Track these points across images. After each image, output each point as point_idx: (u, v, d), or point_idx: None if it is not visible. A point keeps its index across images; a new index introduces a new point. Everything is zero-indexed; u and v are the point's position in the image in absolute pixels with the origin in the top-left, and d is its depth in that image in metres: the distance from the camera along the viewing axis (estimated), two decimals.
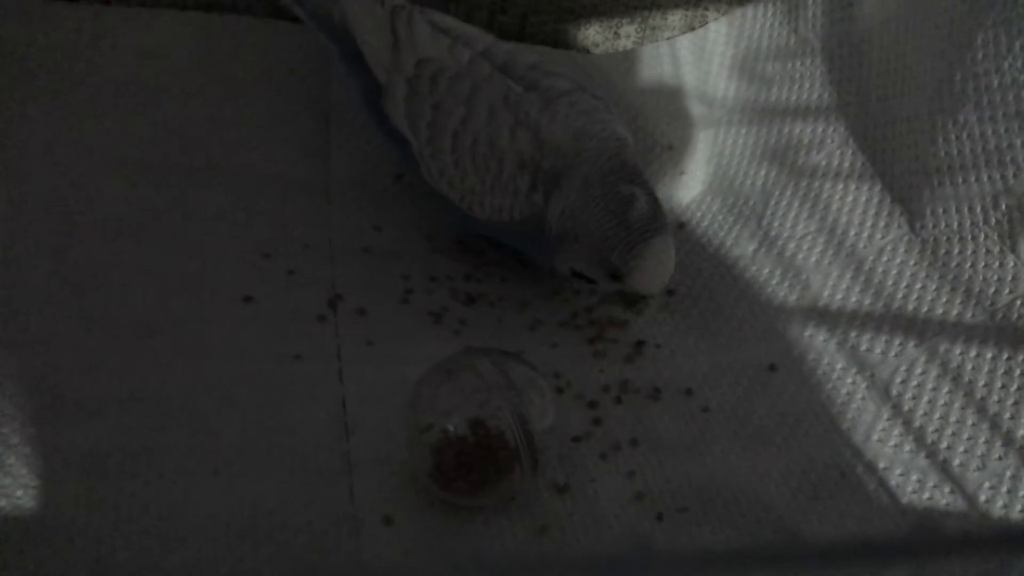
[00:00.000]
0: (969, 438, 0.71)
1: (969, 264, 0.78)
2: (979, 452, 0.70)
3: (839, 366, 0.78)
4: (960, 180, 0.80)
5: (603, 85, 1.04)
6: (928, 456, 0.71)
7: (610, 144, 0.80)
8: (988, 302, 0.76)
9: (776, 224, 0.89)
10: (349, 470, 0.69)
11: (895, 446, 0.72)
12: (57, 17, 0.93)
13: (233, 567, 0.62)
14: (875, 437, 0.73)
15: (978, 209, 0.79)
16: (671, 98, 1.05)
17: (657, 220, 0.77)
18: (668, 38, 1.08)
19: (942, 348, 0.76)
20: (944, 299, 0.78)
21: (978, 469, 0.69)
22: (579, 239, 0.78)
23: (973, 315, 0.76)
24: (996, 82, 0.80)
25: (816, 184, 0.90)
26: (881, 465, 0.71)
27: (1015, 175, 0.78)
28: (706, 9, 1.06)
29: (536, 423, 0.67)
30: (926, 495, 0.69)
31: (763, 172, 0.93)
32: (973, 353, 0.74)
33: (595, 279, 0.79)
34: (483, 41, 0.85)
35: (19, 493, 0.63)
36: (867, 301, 0.81)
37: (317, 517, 0.65)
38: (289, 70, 0.97)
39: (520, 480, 0.67)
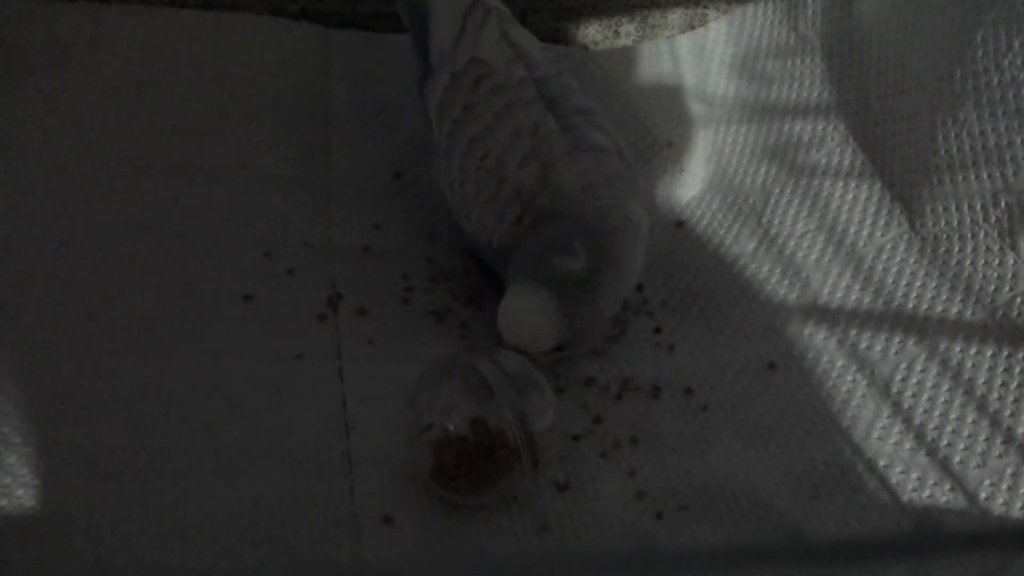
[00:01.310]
0: (969, 436, 0.71)
1: (969, 262, 0.79)
2: (979, 450, 0.70)
3: (839, 364, 0.78)
4: (960, 178, 0.80)
5: (603, 82, 1.04)
6: (928, 454, 0.71)
7: (613, 214, 0.77)
8: (988, 300, 0.76)
9: (776, 222, 0.89)
10: (349, 469, 0.69)
11: (895, 444, 0.72)
12: (56, 15, 0.93)
13: (233, 566, 0.62)
14: (875, 435, 0.73)
15: (978, 207, 0.79)
16: (671, 95, 1.05)
17: (569, 288, 0.73)
18: (668, 36, 1.08)
19: (942, 346, 0.76)
20: (944, 297, 0.78)
21: (978, 467, 0.69)
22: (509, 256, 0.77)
23: (973, 313, 0.76)
24: (996, 80, 0.80)
25: (816, 182, 0.90)
26: (881, 463, 0.71)
27: (1015, 173, 0.78)
28: (706, 8, 1.06)
29: (536, 422, 0.67)
30: (926, 493, 0.69)
31: (763, 170, 0.93)
32: (973, 351, 0.75)
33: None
34: (545, 69, 0.83)
35: (20, 492, 0.63)
36: (867, 299, 0.81)
37: (317, 516, 0.65)
38: (288, 68, 0.97)
39: (521, 479, 0.67)
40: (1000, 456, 0.70)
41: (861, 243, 0.85)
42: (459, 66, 0.82)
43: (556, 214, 0.77)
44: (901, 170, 0.85)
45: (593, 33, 1.07)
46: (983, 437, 0.71)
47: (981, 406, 0.72)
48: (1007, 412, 0.71)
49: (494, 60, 0.82)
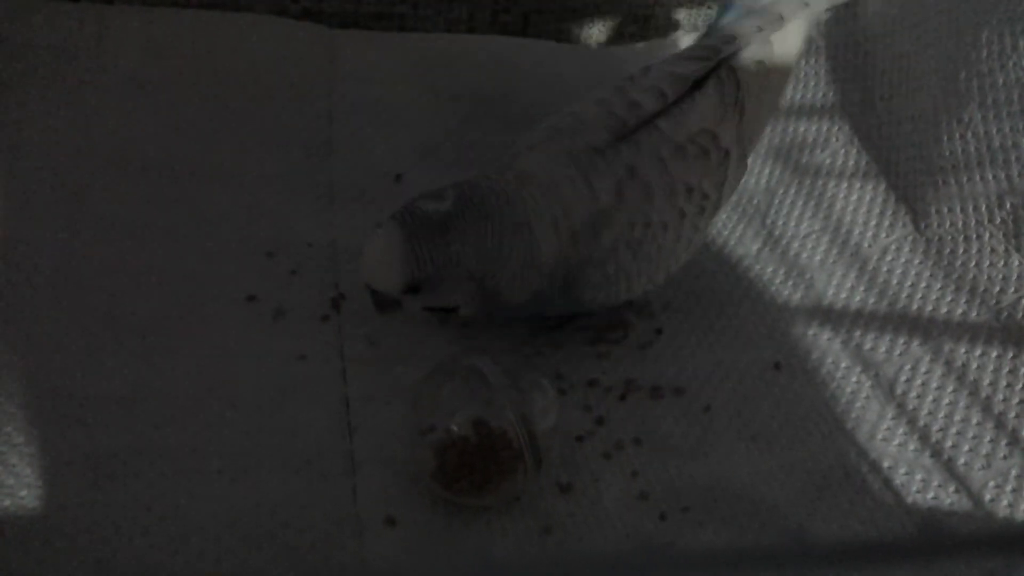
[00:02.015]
0: (974, 437, 0.71)
1: (974, 263, 0.79)
2: (984, 451, 0.70)
3: (843, 365, 0.78)
4: (965, 179, 0.81)
5: (607, 82, 1.04)
6: (933, 455, 0.71)
7: (511, 187, 0.73)
8: (993, 301, 0.76)
9: (780, 223, 0.89)
10: (352, 470, 0.69)
11: (899, 445, 0.72)
12: (60, 16, 0.93)
13: (236, 567, 0.62)
14: (879, 436, 0.73)
15: (983, 208, 0.79)
16: None
17: (425, 225, 0.70)
18: (672, 37, 1.08)
19: (947, 347, 0.76)
20: (949, 298, 0.78)
21: (983, 468, 0.69)
22: None
23: (978, 314, 0.76)
24: (1001, 80, 0.80)
25: (820, 183, 0.90)
26: (885, 464, 0.71)
27: (1020, 174, 0.78)
28: (710, 8, 1.07)
29: (539, 423, 0.67)
30: (931, 494, 0.69)
31: (768, 171, 0.93)
32: (978, 352, 0.75)
33: None
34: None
35: (23, 493, 0.63)
36: (871, 300, 0.81)
37: (320, 517, 0.65)
38: (292, 68, 0.97)
39: (524, 480, 0.67)
40: (1005, 458, 0.70)
41: (866, 244, 0.85)
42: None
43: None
44: (906, 171, 0.85)
45: (596, 34, 1.07)
46: (988, 439, 0.71)
47: (986, 407, 0.72)
48: (1012, 414, 0.71)
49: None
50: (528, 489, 0.68)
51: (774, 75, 0.81)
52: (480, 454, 0.66)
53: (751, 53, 0.79)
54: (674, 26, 1.08)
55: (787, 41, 0.80)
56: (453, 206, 0.71)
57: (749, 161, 0.82)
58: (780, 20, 0.79)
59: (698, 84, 0.77)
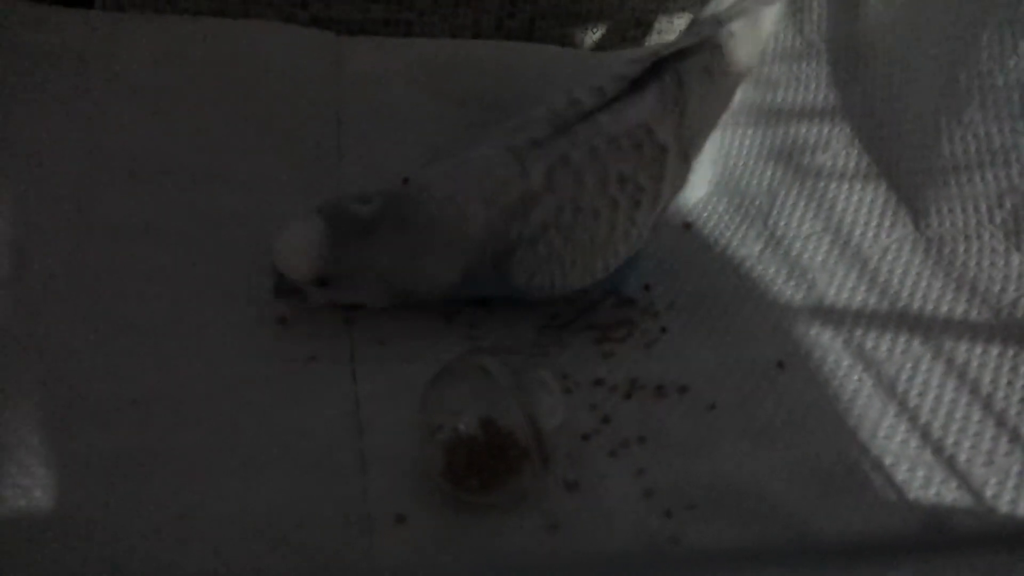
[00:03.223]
0: (975, 434, 0.71)
1: (974, 262, 0.79)
2: (985, 448, 0.70)
3: (845, 363, 0.78)
4: (965, 179, 0.81)
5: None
6: (934, 452, 0.71)
7: (441, 199, 0.77)
8: (994, 300, 0.76)
9: (782, 224, 0.90)
10: (363, 469, 0.69)
11: (901, 442, 0.72)
12: (72, 23, 0.94)
13: (248, 565, 0.63)
14: (881, 433, 0.73)
15: (983, 208, 0.79)
16: None
17: (346, 220, 0.74)
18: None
19: (948, 345, 0.76)
20: (949, 297, 0.78)
21: (984, 465, 0.70)
22: None
23: (979, 313, 0.76)
24: (1001, 81, 0.80)
25: (822, 184, 0.90)
26: (887, 461, 0.71)
27: (1020, 174, 0.78)
28: None
29: (546, 422, 0.67)
30: (932, 491, 0.69)
31: (769, 172, 0.94)
32: (979, 350, 0.75)
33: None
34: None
35: (37, 493, 0.63)
36: (873, 299, 0.81)
37: (331, 515, 0.66)
38: (301, 74, 0.98)
39: (532, 478, 0.67)
40: (1006, 454, 0.70)
41: (867, 244, 0.85)
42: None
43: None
44: (906, 172, 0.85)
45: (601, 39, 1.07)
46: (989, 436, 0.71)
47: (987, 405, 0.72)
48: (1013, 411, 0.71)
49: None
50: (535, 488, 0.68)
51: (721, 81, 0.84)
52: (488, 453, 0.66)
53: (698, 59, 0.82)
54: (676, 31, 1.08)
55: (739, 48, 0.83)
56: (378, 210, 0.74)
57: (695, 163, 0.85)
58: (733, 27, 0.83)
59: (639, 84, 0.80)
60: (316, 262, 0.73)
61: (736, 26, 0.82)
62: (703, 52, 0.82)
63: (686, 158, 0.83)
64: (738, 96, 1.00)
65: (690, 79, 0.81)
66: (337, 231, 0.73)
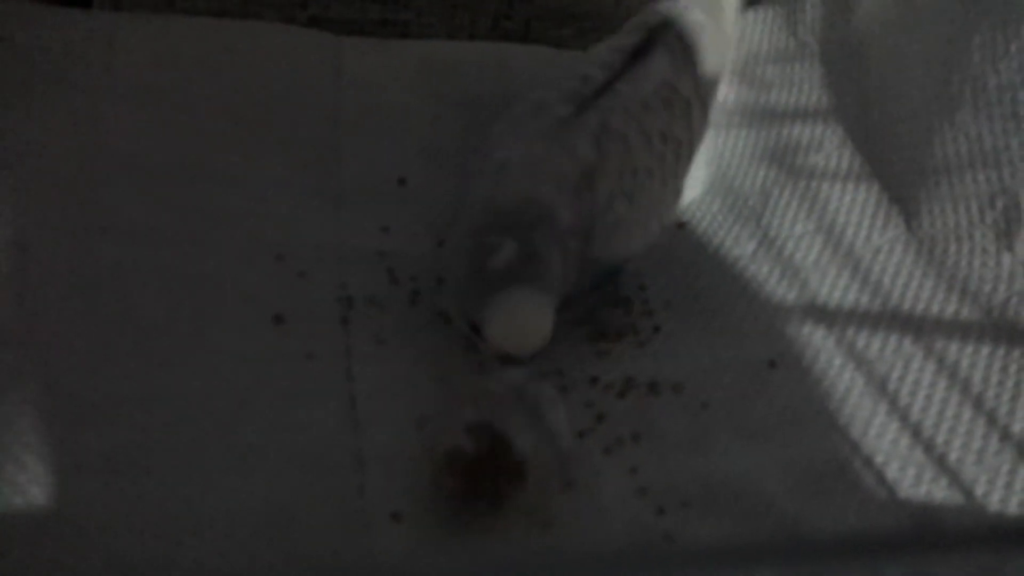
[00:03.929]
0: (966, 433, 0.71)
1: (966, 262, 0.79)
2: (976, 446, 0.70)
3: (837, 362, 0.78)
4: (956, 180, 0.81)
5: None
6: (925, 450, 0.71)
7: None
8: (984, 300, 0.76)
9: (775, 224, 0.90)
10: (359, 467, 0.70)
11: (892, 440, 0.72)
12: (70, 23, 0.94)
13: (245, 562, 0.63)
14: (872, 432, 0.73)
15: (974, 208, 0.80)
16: None
17: (527, 271, 0.71)
18: None
19: (939, 344, 0.76)
20: (941, 296, 0.78)
21: (975, 463, 0.70)
22: (448, 280, 0.75)
23: (969, 312, 0.76)
24: (993, 83, 0.80)
25: (814, 184, 0.90)
26: (878, 460, 0.71)
27: (1011, 175, 0.78)
28: None
29: (561, 440, 0.67)
30: (923, 489, 0.69)
31: (762, 173, 0.94)
32: (969, 349, 0.75)
33: (467, 334, 0.75)
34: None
35: (35, 491, 0.64)
36: (864, 299, 0.81)
37: (328, 513, 0.67)
38: (299, 74, 0.98)
39: (543, 496, 0.67)
40: (996, 453, 0.70)
41: (859, 244, 0.85)
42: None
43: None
44: (898, 172, 0.85)
45: (596, 40, 1.08)
46: (979, 434, 0.71)
47: (977, 403, 0.72)
48: (1003, 409, 0.71)
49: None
50: (544, 505, 0.68)
51: (714, 37, 0.88)
52: (485, 465, 0.65)
53: (693, 17, 0.86)
54: None
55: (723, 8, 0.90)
56: (519, 251, 0.72)
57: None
58: None
59: (643, 51, 0.83)
60: (550, 321, 0.73)
61: None
62: (693, 10, 0.86)
63: (704, 108, 0.87)
64: (732, 96, 1.01)
65: (691, 34, 0.85)
66: (534, 285, 0.72)
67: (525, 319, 0.71)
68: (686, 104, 0.83)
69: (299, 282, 0.83)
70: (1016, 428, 0.70)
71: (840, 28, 0.95)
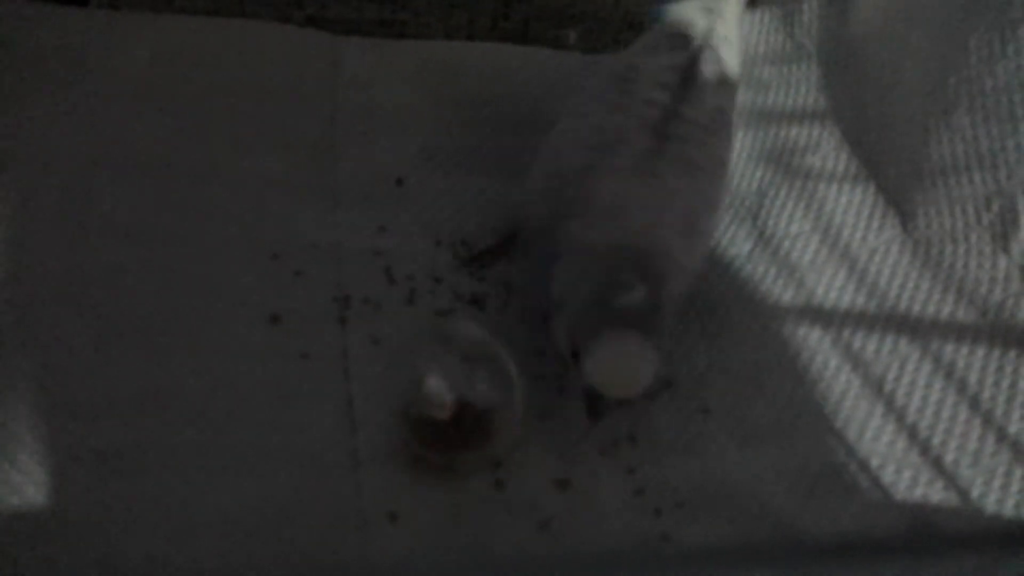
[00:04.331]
0: (961, 434, 0.71)
1: (961, 264, 0.79)
2: (971, 448, 0.71)
3: (833, 363, 0.78)
4: (953, 182, 0.81)
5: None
6: (921, 452, 0.71)
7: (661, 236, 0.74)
8: (980, 302, 0.77)
9: (772, 224, 0.90)
10: (356, 467, 0.70)
11: (888, 443, 0.72)
12: (68, 22, 0.94)
13: (241, 562, 0.63)
14: (868, 434, 0.73)
15: (970, 210, 0.80)
16: None
17: (647, 321, 0.69)
18: None
19: (934, 345, 0.76)
20: (936, 298, 0.79)
21: (971, 465, 0.70)
22: (562, 303, 0.72)
23: (965, 314, 0.77)
24: (989, 85, 0.80)
25: (811, 185, 0.91)
26: (874, 463, 0.71)
27: (1007, 176, 0.78)
28: None
29: (479, 396, 0.69)
30: (919, 491, 0.69)
31: (759, 173, 0.94)
32: (965, 351, 0.75)
33: (564, 355, 0.72)
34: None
35: (31, 490, 0.64)
36: (860, 300, 0.82)
37: (324, 513, 0.67)
38: (296, 74, 0.98)
39: (504, 445, 0.70)
40: (992, 455, 0.70)
41: (855, 245, 0.85)
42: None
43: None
44: (894, 174, 0.86)
45: (594, 41, 1.08)
46: (975, 436, 0.71)
47: (973, 405, 0.72)
48: (999, 411, 0.71)
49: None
50: (479, 458, 0.70)
51: (732, 47, 0.86)
52: (451, 429, 0.68)
53: (718, 30, 0.84)
54: None
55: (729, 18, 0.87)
56: (646, 298, 0.70)
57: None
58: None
59: (690, 71, 0.81)
60: (650, 376, 0.69)
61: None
62: (717, 24, 0.84)
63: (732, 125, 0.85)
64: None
65: (719, 52, 0.83)
66: (649, 336, 0.68)
67: (630, 365, 0.68)
68: (729, 126, 0.82)
69: (296, 281, 0.83)
70: (1012, 429, 0.71)
71: (837, 30, 0.95)
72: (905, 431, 0.73)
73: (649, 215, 0.74)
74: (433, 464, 0.70)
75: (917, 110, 0.85)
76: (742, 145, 0.97)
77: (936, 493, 0.69)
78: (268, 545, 0.64)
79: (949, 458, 0.71)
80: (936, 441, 0.72)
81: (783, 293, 0.85)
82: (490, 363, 0.70)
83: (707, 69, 0.81)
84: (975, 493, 0.69)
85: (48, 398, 0.69)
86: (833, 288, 0.84)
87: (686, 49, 0.82)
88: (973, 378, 0.73)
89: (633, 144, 0.76)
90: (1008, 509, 0.68)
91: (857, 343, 0.79)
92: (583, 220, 0.74)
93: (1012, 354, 0.73)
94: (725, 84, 0.82)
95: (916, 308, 0.79)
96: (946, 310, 0.78)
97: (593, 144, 0.78)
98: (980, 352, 0.74)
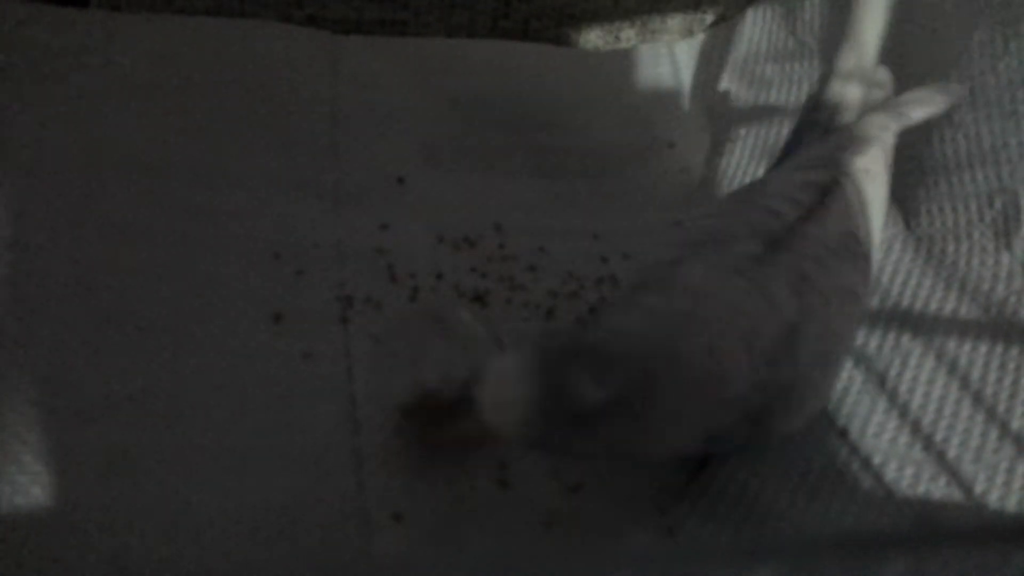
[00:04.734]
0: (964, 430, 0.71)
1: (964, 261, 0.79)
2: (974, 444, 0.71)
3: None
4: (956, 179, 0.81)
5: (604, 83, 1.05)
6: (924, 449, 0.71)
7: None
8: (983, 298, 0.77)
9: None
10: (359, 466, 0.70)
11: (891, 440, 0.72)
12: (68, 22, 0.94)
13: (245, 562, 0.64)
14: (871, 431, 0.73)
15: (973, 207, 0.80)
16: (671, 97, 1.06)
17: (567, 389, 0.55)
18: (667, 41, 1.09)
19: (937, 342, 0.76)
20: (939, 295, 0.79)
21: (973, 461, 0.70)
22: None
23: (968, 310, 0.77)
24: (992, 82, 0.81)
25: None
26: (877, 459, 0.71)
27: (1010, 173, 0.78)
28: (704, 12, 1.07)
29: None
30: (922, 488, 0.69)
31: (761, 171, 0.94)
32: (968, 347, 0.75)
33: None
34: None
35: (35, 490, 0.64)
36: None
37: (327, 513, 0.67)
38: (296, 73, 0.98)
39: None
40: (995, 451, 0.70)
41: None
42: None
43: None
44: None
45: (594, 39, 1.08)
46: (978, 432, 0.71)
47: (976, 401, 0.72)
48: (1002, 407, 0.71)
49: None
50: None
51: (879, 179, 0.76)
52: (442, 417, 0.69)
53: (861, 161, 0.74)
54: (668, 31, 1.09)
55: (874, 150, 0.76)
56: (614, 399, 0.56)
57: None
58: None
59: (826, 190, 0.70)
60: (514, 427, 0.57)
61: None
62: (867, 152, 0.74)
63: (870, 260, 0.73)
64: (731, 95, 1.01)
65: (863, 177, 0.73)
66: (548, 407, 0.56)
67: (512, 392, 0.57)
68: (865, 258, 0.70)
69: (297, 281, 0.83)
70: (1015, 425, 0.71)
71: (838, 27, 0.95)
72: (908, 426, 0.73)
73: (715, 331, 0.60)
74: (436, 444, 0.70)
75: None
76: (744, 142, 0.97)
77: (939, 490, 0.69)
78: (272, 544, 0.64)
79: (952, 455, 0.71)
80: (939, 438, 0.72)
81: None
82: (485, 345, 0.72)
83: (844, 193, 0.70)
84: (978, 489, 0.69)
85: (51, 399, 0.69)
86: None
87: (827, 169, 0.72)
88: (976, 374, 0.73)
89: (735, 247, 0.65)
90: (1011, 505, 0.68)
91: (859, 339, 0.79)
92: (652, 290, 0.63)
93: (1015, 351, 0.73)
94: (861, 213, 0.71)
95: (919, 305, 0.79)
96: (949, 307, 0.78)
97: (689, 240, 0.69)
98: (983, 349, 0.74)
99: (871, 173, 0.73)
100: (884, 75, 0.81)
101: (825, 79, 0.79)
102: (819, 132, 0.77)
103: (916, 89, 0.80)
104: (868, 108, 0.78)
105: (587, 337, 0.58)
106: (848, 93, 0.79)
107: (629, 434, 0.58)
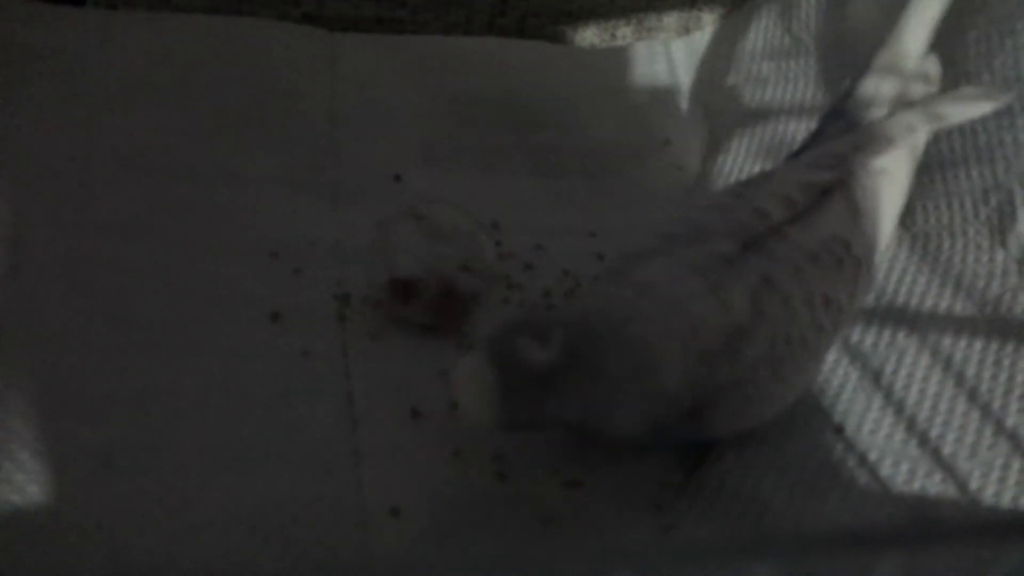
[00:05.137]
0: (959, 427, 0.71)
1: (959, 258, 0.79)
2: (969, 441, 0.71)
3: (831, 356, 0.78)
4: (950, 175, 0.81)
5: (601, 81, 1.05)
6: (919, 446, 0.72)
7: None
8: (978, 295, 0.77)
9: None
10: (357, 463, 0.70)
11: (886, 436, 0.72)
12: (64, 21, 0.94)
13: (244, 560, 0.64)
14: (867, 427, 0.73)
15: (968, 204, 0.80)
16: (667, 94, 1.06)
17: (516, 356, 0.60)
18: (663, 38, 1.09)
19: (932, 338, 0.76)
20: (935, 292, 0.79)
21: (968, 458, 0.70)
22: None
23: (963, 307, 0.77)
24: (987, 80, 0.81)
25: None
26: (872, 455, 0.71)
27: (1005, 170, 0.78)
28: (700, 10, 1.07)
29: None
30: (917, 484, 0.69)
31: (757, 169, 0.94)
32: (963, 344, 0.75)
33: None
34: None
35: (33, 489, 0.64)
36: None
37: (326, 509, 0.67)
38: (293, 71, 0.98)
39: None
40: (990, 447, 0.70)
41: None
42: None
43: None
44: None
45: (590, 36, 1.08)
46: (973, 428, 0.71)
47: (971, 398, 0.72)
48: (996, 403, 0.71)
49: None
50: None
51: (898, 181, 0.75)
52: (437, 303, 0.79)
53: (879, 161, 0.73)
54: (665, 28, 1.09)
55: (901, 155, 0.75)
56: (559, 356, 0.60)
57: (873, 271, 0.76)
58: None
59: (826, 191, 0.70)
60: (495, 416, 0.61)
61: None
62: (884, 154, 0.73)
63: (870, 271, 0.73)
64: (727, 92, 1.01)
65: (873, 182, 0.72)
66: (509, 386, 0.60)
67: (476, 390, 0.61)
68: (856, 264, 0.70)
69: (295, 279, 0.83)
70: (1009, 422, 0.71)
71: (835, 24, 0.95)
72: (903, 423, 0.73)
73: (654, 326, 0.63)
74: (414, 323, 0.79)
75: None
76: (740, 140, 0.97)
77: (934, 485, 0.69)
78: (270, 542, 0.64)
79: (947, 450, 0.71)
80: (934, 434, 0.72)
81: None
82: (465, 241, 0.78)
83: (845, 196, 0.70)
84: (973, 485, 0.69)
85: (50, 397, 0.69)
86: None
87: (835, 169, 0.71)
88: (971, 371, 0.73)
89: (709, 244, 0.66)
90: (1006, 500, 0.68)
91: (855, 336, 0.79)
92: (610, 279, 0.67)
93: (1009, 347, 0.74)
94: (863, 217, 0.71)
95: (914, 301, 0.79)
96: (944, 304, 0.78)
97: (669, 232, 0.69)
98: (978, 345, 0.74)
99: (889, 173, 0.73)
100: (932, 67, 0.78)
101: (861, 73, 0.79)
102: (843, 125, 0.77)
103: (959, 89, 0.78)
104: (904, 104, 0.77)
105: (535, 314, 0.66)
106: (883, 89, 0.77)
107: (580, 397, 0.61)
